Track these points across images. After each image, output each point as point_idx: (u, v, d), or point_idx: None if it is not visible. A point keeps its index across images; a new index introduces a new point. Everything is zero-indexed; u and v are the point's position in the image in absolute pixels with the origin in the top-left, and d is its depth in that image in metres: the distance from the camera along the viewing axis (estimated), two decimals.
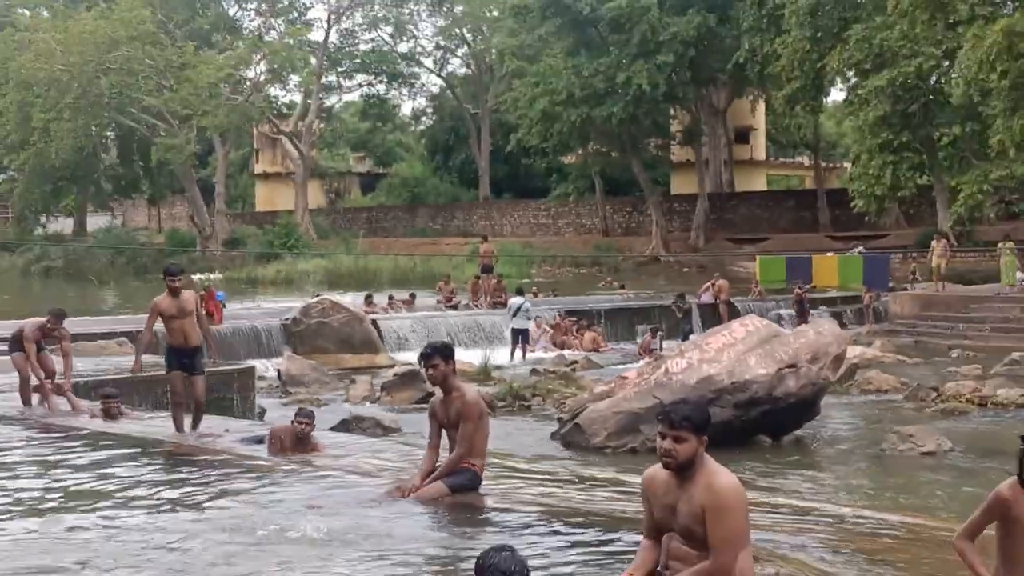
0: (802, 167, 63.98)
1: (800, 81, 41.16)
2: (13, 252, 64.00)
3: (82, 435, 12.59)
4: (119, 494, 9.79)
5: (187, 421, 13.05)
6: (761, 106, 58.94)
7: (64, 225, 69.72)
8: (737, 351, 16.19)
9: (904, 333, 29.02)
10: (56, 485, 10.18)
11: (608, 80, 45.99)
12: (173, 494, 9.77)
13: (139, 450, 12.00)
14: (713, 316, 28.73)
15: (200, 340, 13.51)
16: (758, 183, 62.41)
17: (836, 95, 49.42)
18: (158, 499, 9.57)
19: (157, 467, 11.13)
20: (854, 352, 21.64)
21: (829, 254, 37.30)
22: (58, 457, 11.59)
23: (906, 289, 33.77)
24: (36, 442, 12.41)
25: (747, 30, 43.41)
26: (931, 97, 36.59)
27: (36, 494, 9.87)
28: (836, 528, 9.00)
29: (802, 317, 26.13)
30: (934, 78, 36.09)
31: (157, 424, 13.50)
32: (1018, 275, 32.06)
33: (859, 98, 38.88)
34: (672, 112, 53.23)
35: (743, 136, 62.86)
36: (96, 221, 70.57)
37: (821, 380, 16.74)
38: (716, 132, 55.49)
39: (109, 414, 13.44)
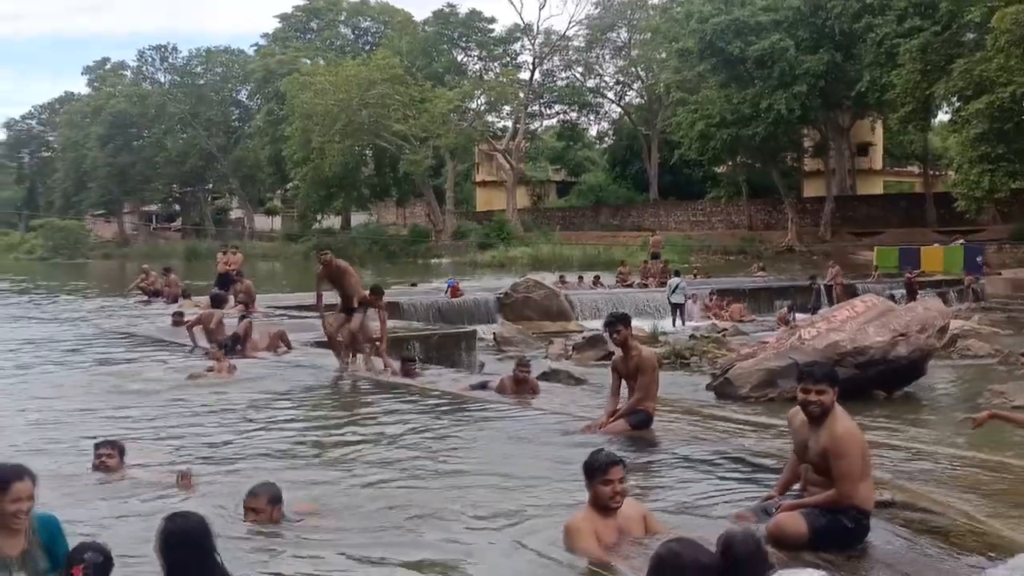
0: (913, 175, 61.80)
1: (911, 105, 40.12)
2: (297, 242, 66.20)
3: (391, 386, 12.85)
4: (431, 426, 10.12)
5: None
6: (879, 125, 57.38)
7: (334, 222, 71.82)
8: (858, 322, 15.84)
9: (998, 310, 28.01)
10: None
11: (753, 106, 45.44)
12: (445, 422, 10.10)
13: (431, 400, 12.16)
14: (833, 295, 28.28)
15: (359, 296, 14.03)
16: (876, 188, 60.70)
17: (942, 116, 47.67)
18: (451, 426, 9.90)
19: (435, 407, 11.34)
20: (955, 325, 20.87)
21: (935, 245, 36.12)
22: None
23: (999, 274, 32.55)
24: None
25: (867, 64, 42.40)
26: (1023, 117, 35.14)
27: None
28: (942, 465, 8.72)
29: (912, 296, 25.37)
30: None
31: (437, 378, 13.64)
32: None
33: (961, 119, 37.65)
34: (804, 131, 52.25)
35: (863, 150, 61.35)
36: (357, 218, 72.48)
37: (928, 346, 16.25)
38: (841, 146, 54.15)
39: (409, 372, 13.49)
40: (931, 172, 56.45)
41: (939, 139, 58.91)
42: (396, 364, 13.85)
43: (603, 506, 5.67)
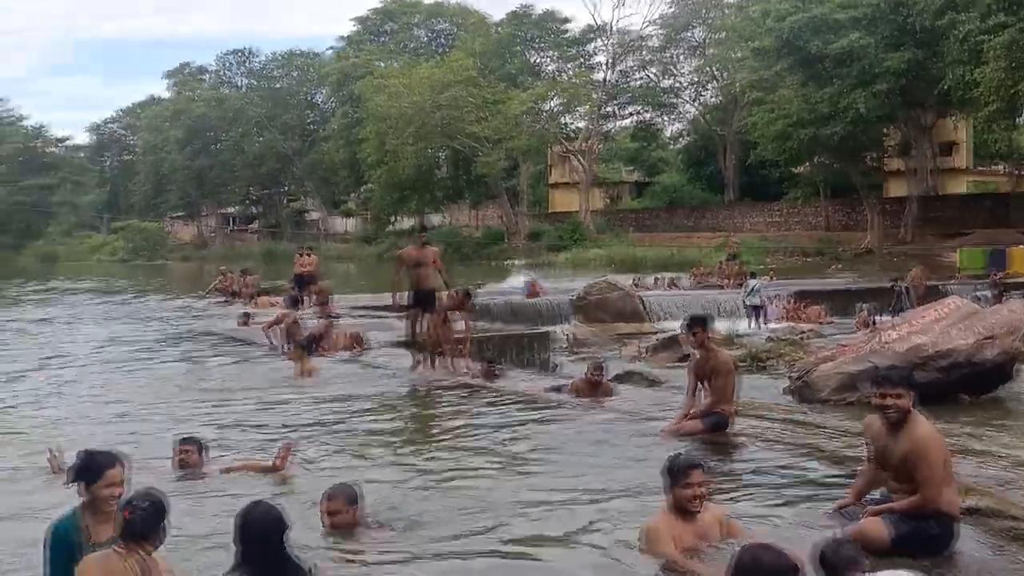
0: (999, 174, 60.33)
1: (997, 104, 39.10)
2: (371, 244, 66.78)
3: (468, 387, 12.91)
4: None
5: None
6: (964, 124, 56.16)
7: (408, 224, 72.26)
8: (942, 325, 15.52)
9: None
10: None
11: (832, 105, 44.66)
12: (521, 424, 10.14)
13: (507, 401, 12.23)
14: (914, 298, 27.77)
15: (435, 286, 14.11)
16: (960, 187, 59.38)
17: None
18: (526, 429, 9.98)
19: (511, 409, 11.39)
20: None
21: (1023, 247, 35.31)
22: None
23: None
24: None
25: (951, 62, 41.42)
26: None
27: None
28: None
29: (998, 299, 24.79)
30: None
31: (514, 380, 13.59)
32: None
33: None
34: (885, 130, 51.28)
35: (947, 148, 60.02)
36: (431, 220, 72.93)
37: (1015, 350, 15.85)
38: (923, 146, 53.04)
39: (490, 375, 13.34)
40: (1017, 172, 55.12)
41: None
42: (477, 367, 13.84)
43: (682, 509, 5.67)
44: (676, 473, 5.71)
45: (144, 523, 4.44)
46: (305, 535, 5.66)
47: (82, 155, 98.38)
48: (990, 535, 6.30)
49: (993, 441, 11.25)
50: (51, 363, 16.03)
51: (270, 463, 7.94)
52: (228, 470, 8.03)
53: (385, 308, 23.15)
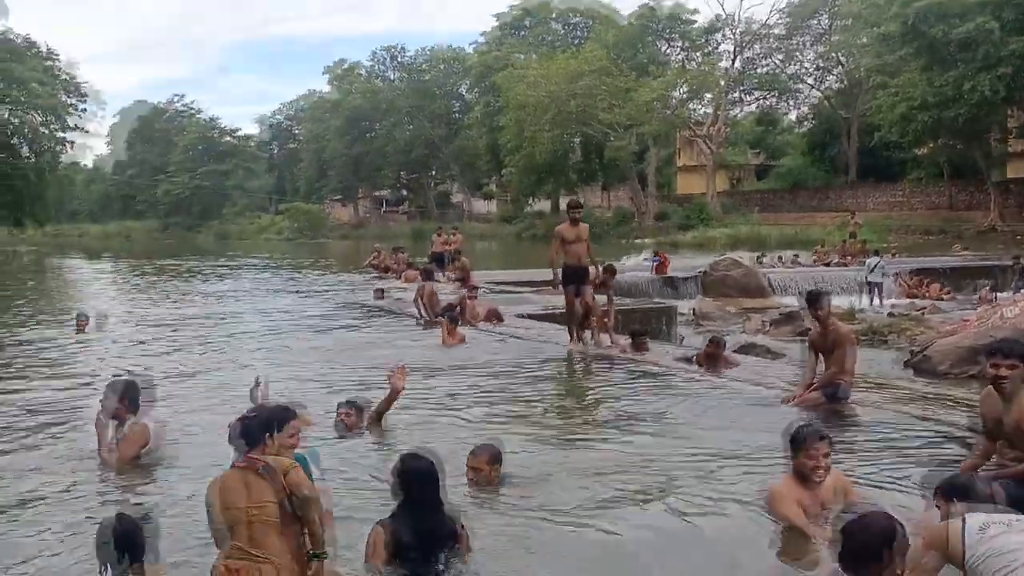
0: None
1: None
2: (511, 223, 67.24)
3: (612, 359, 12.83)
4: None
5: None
6: None
7: (544, 205, 72.41)
8: None
9: None
10: None
11: (956, 88, 42.93)
12: (652, 392, 10.11)
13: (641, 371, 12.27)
14: None
15: (587, 263, 13.19)
16: None
17: None
18: (656, 397, 9.93)
19: (644, 378, 11.41)
20: None
21: None
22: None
23: None
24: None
25: None
26: None
27: None
28: None
29: None
30: None
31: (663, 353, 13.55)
32: None
33: None
34: (1009, 112, 48.99)
35: None
36: (565, 202, 72.89)
37: None
38: None
39: (639, 347, 12.84)
40: None
41: None
42: (622, 339, 13.61)
43: (805, 477, 5.61)
44: (801, 442, 5.67)
45: (253, 428, 4.68)
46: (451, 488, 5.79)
47: (252, 144, 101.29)
48: None
49: None
50: (230, 333, 16.66)
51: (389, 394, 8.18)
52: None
53: (524, 283, 23.43)
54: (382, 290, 21.79)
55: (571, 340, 13.39)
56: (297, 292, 25.79)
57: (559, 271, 13.12)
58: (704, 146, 62.60)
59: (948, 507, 4.67)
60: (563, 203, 72.00)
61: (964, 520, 4.35)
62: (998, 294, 22.63)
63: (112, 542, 4.41)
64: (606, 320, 14.05)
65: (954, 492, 4.75)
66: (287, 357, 13.38)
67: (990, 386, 6.12)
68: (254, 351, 14.15)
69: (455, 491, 5.97)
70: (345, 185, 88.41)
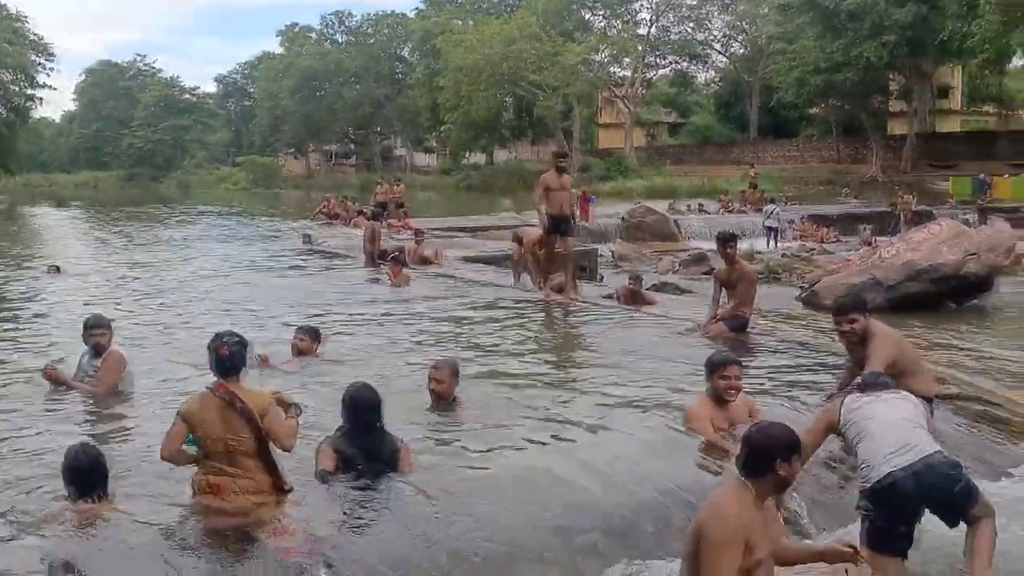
0: (988, 114, 58.25)
1: (990, 53, 37.80)
2: (449, 175, 66.82)
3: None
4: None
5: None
6: (959, 70, 54.32)
7: (479, 158, 71.98)
8: (933, 243, 15.26)
9: None
10: None
11: (845, 54, 43.39)
12: (572, 327, 10.16)
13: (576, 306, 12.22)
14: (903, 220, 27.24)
15: (570, 211, 12.25)
16: (954, 126, 57.53)
17: (1017, 62, 44.67)
18: (576, 330, 9.96)
19: (581, 314, 11.40)
20: (1022, 246, 19.90)
21: (1005, 176, 34.32)
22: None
23: None
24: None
25: (950, 16, 39.97)
26: None
27: None
28: (1005, 365, 8.44)
29: (983, 220, 24.23)
30: None
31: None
32: None
33: None
34: (891, 76, 49.76)
35: (944, 92, 58.05)
36: (498, 156, 72.55)
37: (996, 264, 15.58)
38: (923, 89, 51.33)
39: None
40: (1006, 112, 53.23)
41: (1015, 83, 55.46)
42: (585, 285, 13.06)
43: (719, 397, 5.70)
44: (716, 366, 5.75)
45: (235, 357, 4.56)
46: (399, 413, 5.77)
47: (210, 102, 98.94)
48: (963, 417, 6.30)
49: (972, 340, 11.13)
50: (192, 275, 16.36)
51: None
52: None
53: (462, 229, 23.37)
54: (309, 236, 21.55)
55: (539, 286, 12.56)
56: (253, 237, 25.41)
57: (545, 217, 12.09)
58: (623, 105, 62.56)
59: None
60: (497, 156, 71.93)
61: (844, 400, 4.71)
62: (877, 237, 23.14)
63: (80, 470, 4.35)
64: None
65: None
66: (243, 295, 13.16)
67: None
68: (211, 292, 13.81)
69: (407, 414, 5.96)
70: (297, 139, 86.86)
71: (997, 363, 8.41)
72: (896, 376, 5.75)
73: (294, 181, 79.83)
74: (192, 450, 4.57)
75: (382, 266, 15.04)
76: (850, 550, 4.08)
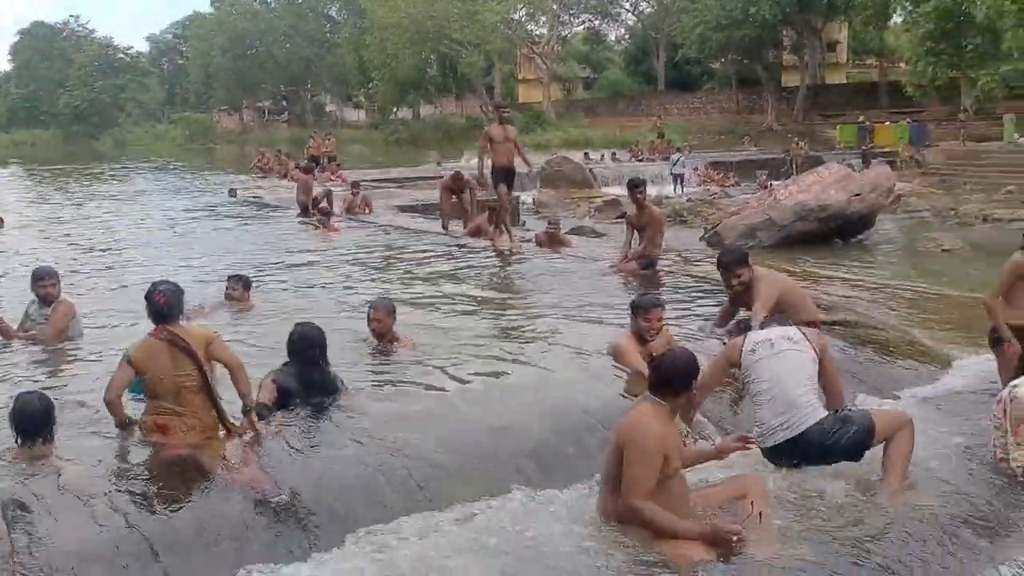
0: (871, 67, 59.23)
1: (872, 9, 38.78)
2: (378, 129, 65.75)
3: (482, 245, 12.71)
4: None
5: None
6: (845, 26, 55.23)
7: (406, 114, 70.91)
8: (822, 185, 15.62)
9: (935, 175, 27.42)
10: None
11: (743, 12, 43.62)
12: (498, 268, 10.12)
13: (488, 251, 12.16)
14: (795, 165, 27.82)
15: (515, 163, 11.44)
16: (841, 78, 58.56)
17: (896, 18, 45.49)
18: (502, 272, 9.91)
19: (489, 257, 11.36)
20: (901, 186, 20.51)
21: (887, 123, 35.15)
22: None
23: (936, 145, 31.70)
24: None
25: None
26: (962, 18, 33.53)
27: None
28: (886, 293, 8.71)
29: (866, 164, 24.81)
30: (964, 6, 32.88)
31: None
32: (1015, 136, 30.14)
33: (912, 20, 36.14)
34: (784, 32, 50.31)
35: (832, 46, 58.97)
36: (424, 111, 71.58)
37: (878, 204, 16.06)
38: (814, 44, 52.02)
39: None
40: (886, 64, 54.29)
41: (894, 37, 56.59)
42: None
43: (641, 336, 5.72)
44: (640, 308, 5.73)
45: (170, 304, 4.48)
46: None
47: (143, 61, 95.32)
48: (849, 341, 6.49)
49: (857, 272, 11.47)
50: (130, 228, 15.88)
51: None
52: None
53: (391, 180, 23.06)
54: (234, 190, 21.04)
55: (497, 235, 11.84)
56: (188, 191, 24.70)
57: (487, 170, 11.54)
58: (540, 62, 62.09)
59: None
60: (423, 111, 70.89)
61: (745, 338, 4.72)
62: (773, 182, 23.58)
63: (28, 417, 4.21)
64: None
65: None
66: (180, 247, 12.80)
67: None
68: (149, 244, 13.37)
69: (347, 353, 5.88)
70: (230, 97, 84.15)
71: (879, 292, 8.68)
72: (784, 311, 5.91)
73: (228, 137, 77.63)
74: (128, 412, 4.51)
75: (315, 216, 14.77)
76: (740, 443, 4.22)
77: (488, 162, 11.57)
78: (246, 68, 78.56)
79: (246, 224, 15.73)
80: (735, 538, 3.62)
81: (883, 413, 4.67)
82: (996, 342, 5.53)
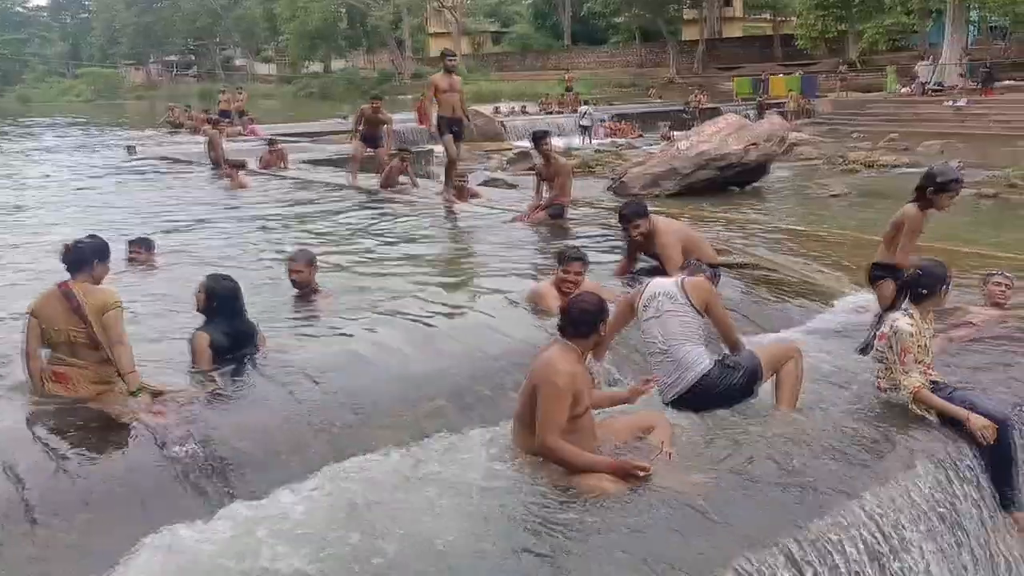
0: (766, 21, 60.19)
1: None
2: (290, 83, 63.89)
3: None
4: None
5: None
6: None
7: (318, 67, 69.05)
8: (721, 135, 15.90)
9: (824, 124, 28.19)
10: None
11: None
12: (413, 219, 10.02)
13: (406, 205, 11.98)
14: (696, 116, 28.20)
15: (463, 113, 11.11)
16: (737, 32, 59.38)
17: None
18: (416, 223, 9.78)
19: (407, 210, 11.24)
20: (792, 135, 21.03)
21: (779, 75, 35.85)
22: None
23: (825, 96, 32.53)
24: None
25: None
26: None
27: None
28: (780, 235, 8.97)
29: (761, 115, 25.32)
30: None
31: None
32: (896, 86, 31.03)
33: None
34: None
35: (728, 1, 59.71)
36: (335, 65, 69.78)
37: (772, 152, 16.43)
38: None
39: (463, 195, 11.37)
40: (779, 19, 55.27)
41: None
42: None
43: (559, 287, 5.73)
44: (562, 260, 5.76)
45: (75, 253, 4.37)
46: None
47: (44, 15, 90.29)
48: (744, 281, 6.68)
49: (752, 216, 11.78)
50: (37, 185, 15.15)
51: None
52: None
53: (303, 134, 22.51)
54: (132, 147, 20.25)
55: (447, 190, 11.45)
56: (96, 147, 23.63)
57: (434, 120, 11.05)
58: (450, 15, 61.13)
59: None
60: (334, 65, 69.08)
61: (644, 288, 4.79)
62: (675, 132, 23.88)
63: None
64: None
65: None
66: (92, 200, 12.31)
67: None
68: (52, 201, 12.81)
69: (269, 304, 5.77)
70: (137, 51, 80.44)
71: (773, 236, 8.95)
72: (686, 254, 6.05)
73: (137, 92, 74.30)
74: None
75: (225, 170, 14.33)
76: (649, 386, 4.35)
77: (435, 112, 11.01)
78: (152, 21, 75.21)
79: (152, 180, 15.17)
80: (642, 472, 3.73)
81: (769, 348, 4.78)
82: (875, 279, 5.77)
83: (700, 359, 4.58)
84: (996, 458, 4.32)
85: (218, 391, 4.44)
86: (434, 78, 11.00)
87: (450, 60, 11.02)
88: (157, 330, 5.48)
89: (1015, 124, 24.67)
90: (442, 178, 12.09)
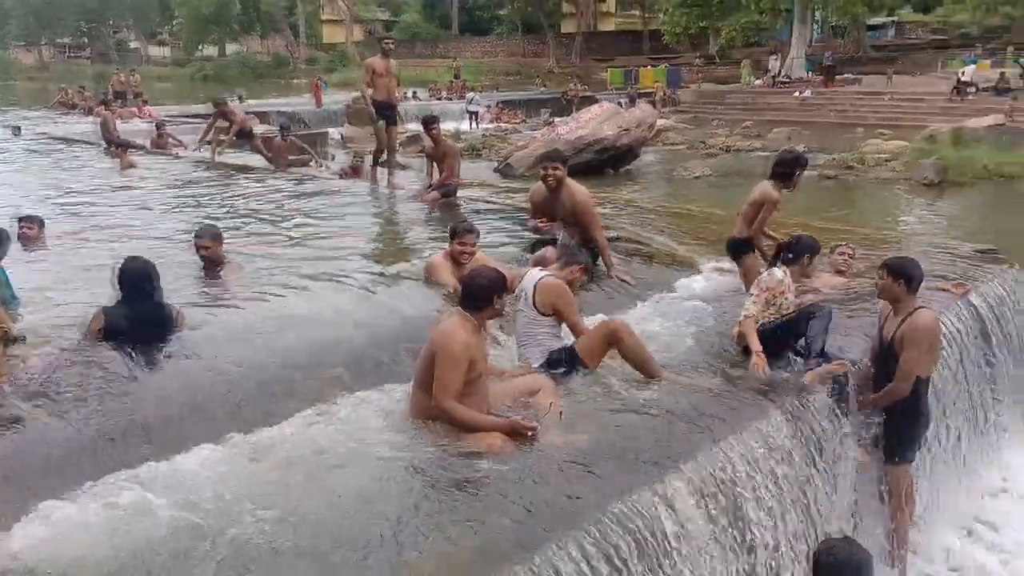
0: (635, 17, 61.02)
1: None
2: (184, 67, 60.98)
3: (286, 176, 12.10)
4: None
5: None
6: None
7: (212, 51, 66.11)
8: (596, 121, 16.17)
9: (687, 112, 28.98)
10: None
11: None
12: (306, 199, 9.76)
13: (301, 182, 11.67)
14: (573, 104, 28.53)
15: (397, 98, 10.49)
16: (610, 26, 60.06)
17: None
18: (309, 202, 9.52)
19: (302, 189, 10.93)
20: (660, 122, 21.56)
21: (648, 67, 36.65)
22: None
23: (688, 87, 33.47)
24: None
25: None
26: None
27: None
28: (651, 213, 9.19)
29: (632, 103, 25.79)
30: None
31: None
32: (751, 79, 32.10)
33: None
34: None
35: None
36: (230, 48, 66.98)
37: (642, 137, 16.82)
38: None
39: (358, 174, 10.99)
40: (645, 15, 56.25)
41: None
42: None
43: (455, 259, 5.69)
44: (456, 233, 5.69)
45: None
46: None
47: None
48: (621, 255, 6.84)
49: (625, 194, 12.04)
50: None
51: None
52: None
53: (197, 116, 21.54)
54: (18, 128, 18.98)
55: (373, 173, 11.09)
56: None
57: (370, 104, 10.27)
58: (342, 3, 59.61)
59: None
60: (229, 49, 66.28)
61: (524, 276, 4.84)
62: (555, 118, 24.11)
63: None
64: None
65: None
66: None
67: (539, 182, 6.54)
68: None
69: (178, 280, 5.50)
70: (28, 32, 74.94)
71: (643, 213, 9.18)
72: (589, 227, 6.19)
73: (28, 73, 69.30)
74: None
75: (116, 151, 13.58)
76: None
77: (369, 95, 10.26)
78: (42, 2, 70.12)
79: (40, 161, 14.24)
80: (530, 431, 3.79)
81: (584, 337, 4.67)
82: (736, 253, 6.00)
83: (536, 359, 4.64)
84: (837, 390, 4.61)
85: (117, 368, 4.21)
86: (371, 61, 10.24)
87: (388, 44, 10.33)
88: (37, 304, 5.19)
89: (851, 114, 26.04)
90: (339, 160, 11.81)
